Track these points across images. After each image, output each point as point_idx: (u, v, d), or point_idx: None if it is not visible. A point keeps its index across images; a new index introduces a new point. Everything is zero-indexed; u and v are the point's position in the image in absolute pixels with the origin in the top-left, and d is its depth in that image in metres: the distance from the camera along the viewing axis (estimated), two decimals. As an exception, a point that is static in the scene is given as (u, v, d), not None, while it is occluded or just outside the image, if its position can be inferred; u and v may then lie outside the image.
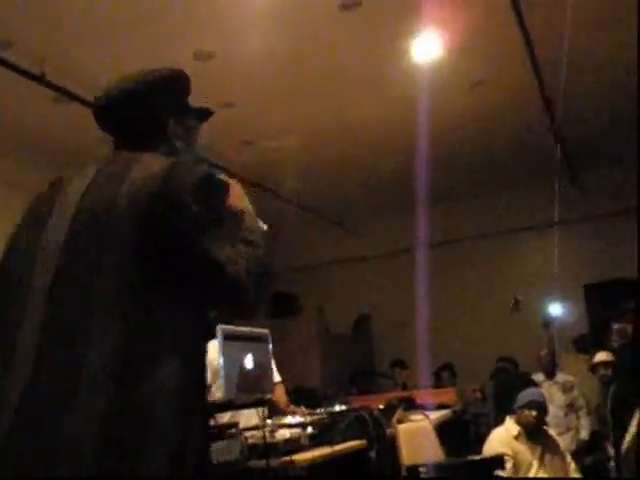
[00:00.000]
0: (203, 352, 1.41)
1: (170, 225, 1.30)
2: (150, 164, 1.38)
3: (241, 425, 2.70)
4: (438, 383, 7.07)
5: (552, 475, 3.95)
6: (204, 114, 1.67)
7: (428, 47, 4.73)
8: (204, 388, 1.41)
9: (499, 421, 4.39)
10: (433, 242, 7.73)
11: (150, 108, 1.54)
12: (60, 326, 1.26)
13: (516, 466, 3.97)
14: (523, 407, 4.10)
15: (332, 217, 8.47)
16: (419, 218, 7.18)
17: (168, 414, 1.25)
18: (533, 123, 6.08)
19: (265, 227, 1.59)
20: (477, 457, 4.02)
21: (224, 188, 1.47)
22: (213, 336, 1.61)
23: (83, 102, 4.54)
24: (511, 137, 6.66)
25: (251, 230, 1.46)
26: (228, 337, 2.33)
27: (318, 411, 3.57)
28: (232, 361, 2.33)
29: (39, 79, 4.26)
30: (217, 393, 3.39)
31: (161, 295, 1.29)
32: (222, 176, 1.53)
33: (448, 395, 5.68)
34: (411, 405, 4.41)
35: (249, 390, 2.45)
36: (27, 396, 1.22)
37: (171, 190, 1.32)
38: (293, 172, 6.93)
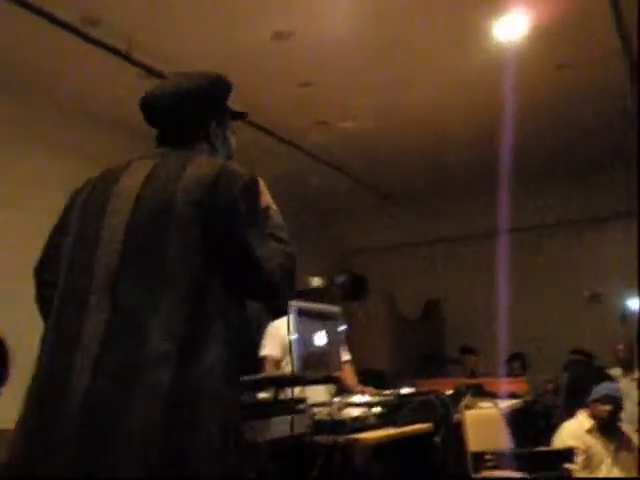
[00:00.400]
0: (245, 340, 1.50)
1: (220, 220, 1.41)
2: (201, 165, 1.50)
3: (309, 401, 2.74)
4: (508, 372, 6.94)
5: (625, 472, 3.82)
6: (239, 116, 1.81)
7: (513, 27, 4.59)
8: (241, 373, 1.49)
9: (571, 414, 4.28)
10: (508, 228, 7.54)
11: (196, 109, 1.64)
12: (127, 310, 1.35)
13: (587, 460, 3.87)
14: (597, 401, 3.98)
15: (405, 201, 8.40)
16: (495, 203, 7.02)
17: (214, 396, 1.35)
18: (621, 108, 5.81)
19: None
20: (546, 448, 3.94)
21: (261, 189, 1.57)
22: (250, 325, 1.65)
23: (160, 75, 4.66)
24: (597, 122, 6.40)
25: (280, 227, 1.56)
26: (301, 313, 2.37)
27: (385, 392, 3.58)
28: (304, 337, 2.36)
29: (125, 56, 4.40)
30: (286, 368, 3.46)
31: (214, 285, 1.40)
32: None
33: (518, 385, 5.56)
34: (480, 392, 4.35)
35: (319, 366, 2.48)
36: (95, 375, 1.30)
37: (221, 189, 1.44)
38: (368, 154, 6.91)
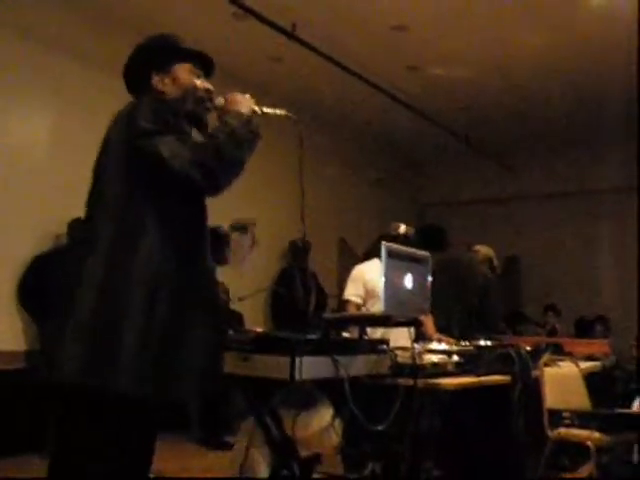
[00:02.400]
0: (184, 233, 1.78)
1: (129, 140, 1.74)
2: (127, 105, 1.85)
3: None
4: (590, 334, 6.81)
5: None
6: (203, 63, 1.99)
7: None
8: (182, 264, 1.76)
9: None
10: (596, 188, 7.25)
11: (136, 70, 1.96)
12: (88, 213, 1.81)
13: (668, 428, 3.77)
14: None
15: (491, 153, 8.18)
16: (592, 160, 6.75)
17: (141, 281, 1.68)
18: None
19: (282, 112, 1.94)
20: (627, 410, 3.87)
21: (174, 105, 1.85)
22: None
23: (260, 19, 4.66)
24: None
25: (223, 125, 1.80)
26: (391, 255, 2.38)
27: (464, 343, 3.58)
28: (393, 278, 2.38)
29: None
30: (371, 308, 3.51)
31: (139, 194, 1.74)
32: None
33: (599, 347, 5.42)
34: (559, 351, 4.27)
35: (405, 308, 2.50)
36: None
37: (128, 117, 1.77)
38: (457, 102, 6.73)
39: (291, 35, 4.94)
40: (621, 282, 7.39)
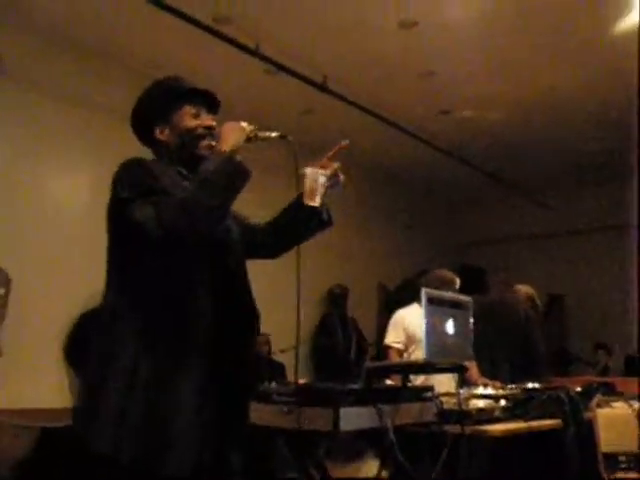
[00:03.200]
0: (174, 306, 1.70)
1: (108, 209, 1.75)
2: None
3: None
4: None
5: None
6: (209, 102, 1.92)
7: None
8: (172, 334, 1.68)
9: None
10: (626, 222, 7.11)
11: (139, 122, 1.92)
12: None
13: None
14: None
15: (526, 190, 8.12)
16: (624, 194, 6.64)
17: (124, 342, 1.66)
18: None
19: (276, 134, 1.82)
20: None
21: (144, 164, 1.76)
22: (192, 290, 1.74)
23: (292, 73, 4.78)
24: None
25: (198, 173, 1.74)
26: (432, 301, 2.37)
27: (511, 386, 3.50)
28: (433, 325, 2.36)
29: (253, 52, 4.55)
30: (412, 355, 3.47)
31: (127, 265, 1.74)
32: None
33: (652, 385, 5.23)
34: (611, 391, 4.14)
35: (447, 354, 2.47)
36: None
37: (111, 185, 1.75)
38: (490, 144, 6.75)
39: (322, 88, 5.06)
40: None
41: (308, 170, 1.89)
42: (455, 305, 2.52)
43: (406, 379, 2.46)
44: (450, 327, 2.43)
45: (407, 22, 4.56)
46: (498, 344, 4.52)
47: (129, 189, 1.69)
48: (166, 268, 1.71)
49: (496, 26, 4.66)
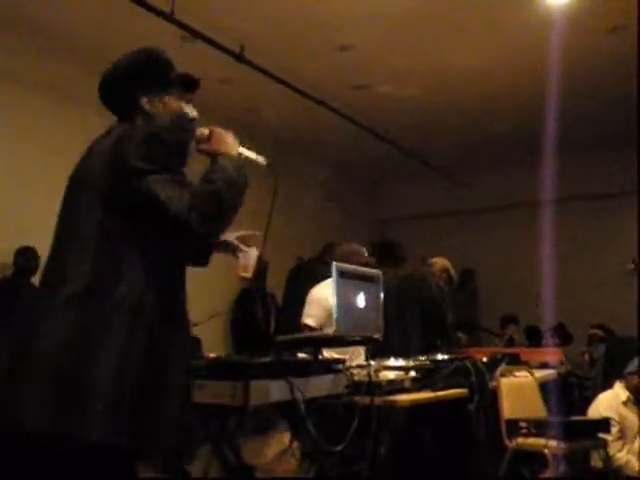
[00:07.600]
0: (166, 279, 1.67)
1: (119, 178, 1.61)
2: (114, 133, 1.70)
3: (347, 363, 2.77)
4: (548, 343, 6.93)
5: (660, 445, 3.80)
6: (189, 85, 1.89)
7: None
8: (167, 309, 1.65)
9: (606, 386, 4.26)
10: (548, 198, 7.40)
11: (122, 90, 1.81)
12: (55, 253, 1.68)
13: (622, 432, 3.86)
14: (634, 373, 3.95)
15: (442, 168, 8.31)
16: (535, 172, 6.90)
17: (121, 326, 1.54)
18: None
19: (263, 161, 1.92)
20: (582, 418, 3.94)
21: (172, 140, 1.69)
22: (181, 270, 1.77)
23: (208, 41, 4.66)
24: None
25: (220, 170, 1.72)
26: (342, 275, 2.39)
27: (421, 358, 3.60)
28: (345, 298, 2.39)
29: (168, 17, 4.39)
30: (328, 329, 3.49)
31: (123, 230, 1.62)
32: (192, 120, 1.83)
33: (554, 355, 5.53)
34: (515, 361, 4.34)
35: (359, 328, 2.51)
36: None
37: (115, 151, 1.64)
38: (407, 121, 6.83)
39: (239, 57, 4.96)
40: (572, 290, 7.54)
41: (246, 249, 2.12)
42: (366, 278, 2.55)
43: (317, 352, 2.48)
44: (361, 300, 2.46)
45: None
46: (410, 316, 4.62)
47: (146, 158, 1.61)
48: (161, 248, 1.67)
49: (414, 1, 4.69)
